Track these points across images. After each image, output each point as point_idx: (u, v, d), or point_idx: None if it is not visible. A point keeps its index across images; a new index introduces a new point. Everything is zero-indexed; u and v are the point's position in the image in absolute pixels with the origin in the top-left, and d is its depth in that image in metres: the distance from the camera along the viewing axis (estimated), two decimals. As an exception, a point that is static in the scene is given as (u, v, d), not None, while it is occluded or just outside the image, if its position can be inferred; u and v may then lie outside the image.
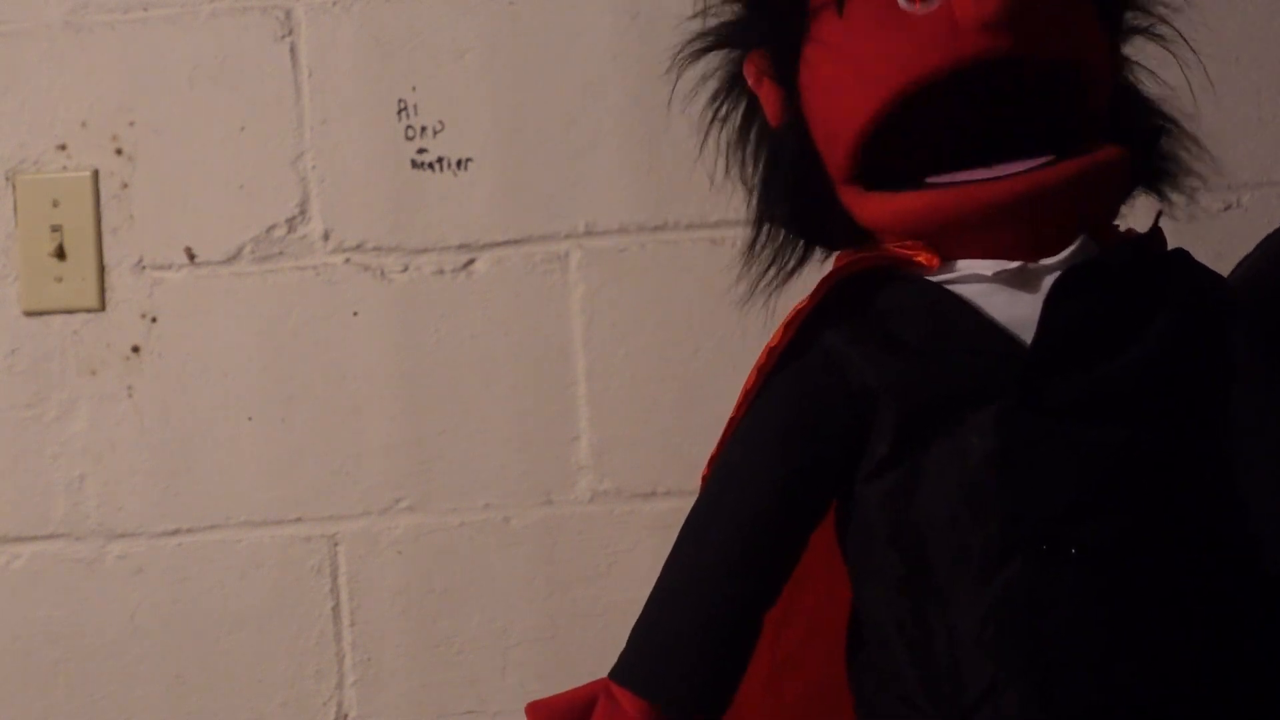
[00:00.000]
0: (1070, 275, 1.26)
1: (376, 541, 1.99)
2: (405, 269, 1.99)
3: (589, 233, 1.97)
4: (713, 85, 1.42)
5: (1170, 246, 1.37)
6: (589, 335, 1.97)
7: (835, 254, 1.38)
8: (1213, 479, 1.26)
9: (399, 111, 1.99)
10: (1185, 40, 1.41)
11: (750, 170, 1.39)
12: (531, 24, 1.98)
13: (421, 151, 1.99)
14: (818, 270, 1.40)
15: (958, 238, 1.28)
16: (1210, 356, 1.28)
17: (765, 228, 1.38)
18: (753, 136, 1.39)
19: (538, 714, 1.35)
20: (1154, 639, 1.22)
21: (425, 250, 1.99)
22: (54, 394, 2.01)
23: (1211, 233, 1.89)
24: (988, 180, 1.26)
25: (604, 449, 1.96)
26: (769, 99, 1.36)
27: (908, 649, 1.27)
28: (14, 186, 2.02)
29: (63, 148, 2.02)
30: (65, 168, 2.02)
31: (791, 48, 1.33)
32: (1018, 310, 1.27)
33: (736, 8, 1.39)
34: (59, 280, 2.01)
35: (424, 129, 1.99)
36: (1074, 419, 1.24)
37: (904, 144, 1.30)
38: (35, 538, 2.01)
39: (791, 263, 1.39)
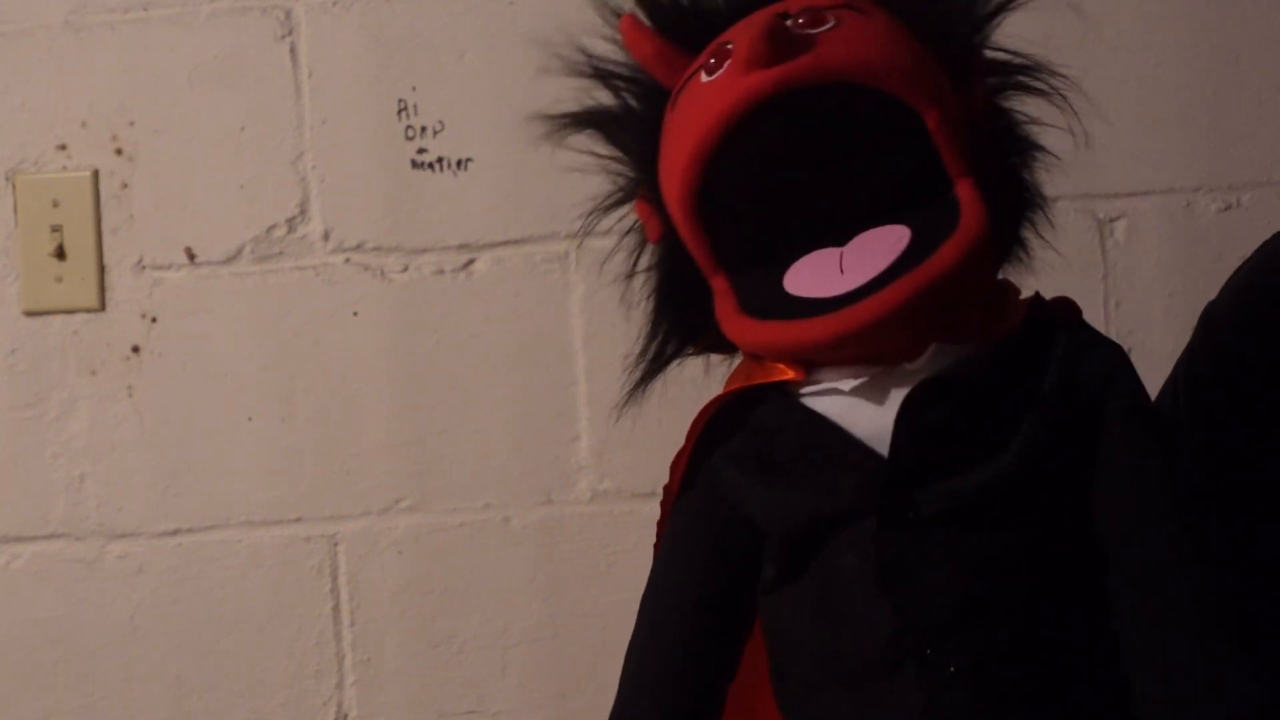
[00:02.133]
0: (917, 391, 1.26)
1: (376, 541, 1.99)
2: (405, 269, 1.99)
3: (589, 233, 1.97)
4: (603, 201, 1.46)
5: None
6: (589, 335, 1.97)
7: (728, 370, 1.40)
8: (1089, 576, 1.27)
9: (399, 111, 1.99)
10: (1065, 90, 1.36)
11: (644, 280, 1.43)
12: (531, 24, 1.98)
13: (421, 151, 1.99)
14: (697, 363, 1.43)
15: (817, 357, 1.29)
16: (1083, 446, 1.28)
17: (655, 335, 1.41)
18: (643, 250, 1.43)
19: None
20: None
21: (425, 250, 1.99)
22: (54, 394, 2.01)
23: (1211, 233, 1.89)
24: (834, 308, 1.24)
25: (604, 449, 1.96)
26: (645, 218, 1.40)
27: None
28: (14, 186, 2.02)
29: (63, 148, 2.02)
30: (65, 168, 2.02)
31: (654, 164, 1.37)
32: (880, 422, 1.27)
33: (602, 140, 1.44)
34: (59, 280, 2.01)
35: (424, 129, 1.99)
36: (941, 530, 1.24)
37: (750, 210, 1.31)
38: (35, 538, 2.01)
39: (670, 356, 1.42)
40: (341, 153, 2.00)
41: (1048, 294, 1.37)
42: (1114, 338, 1.91)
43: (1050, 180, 1.40)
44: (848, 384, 1.28)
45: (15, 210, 2.02)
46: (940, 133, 1.27)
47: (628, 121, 1.40)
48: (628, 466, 1.95)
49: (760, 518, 1.32)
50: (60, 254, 2.01)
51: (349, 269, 2.00)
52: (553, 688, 1.96)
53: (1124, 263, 1.93)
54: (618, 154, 1.42)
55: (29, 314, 2.02)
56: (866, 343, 1.25)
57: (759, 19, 1.29)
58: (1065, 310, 1.34)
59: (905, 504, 1.25)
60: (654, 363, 1.41)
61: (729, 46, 1.29)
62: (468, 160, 1.99)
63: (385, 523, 1.99)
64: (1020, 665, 1.24)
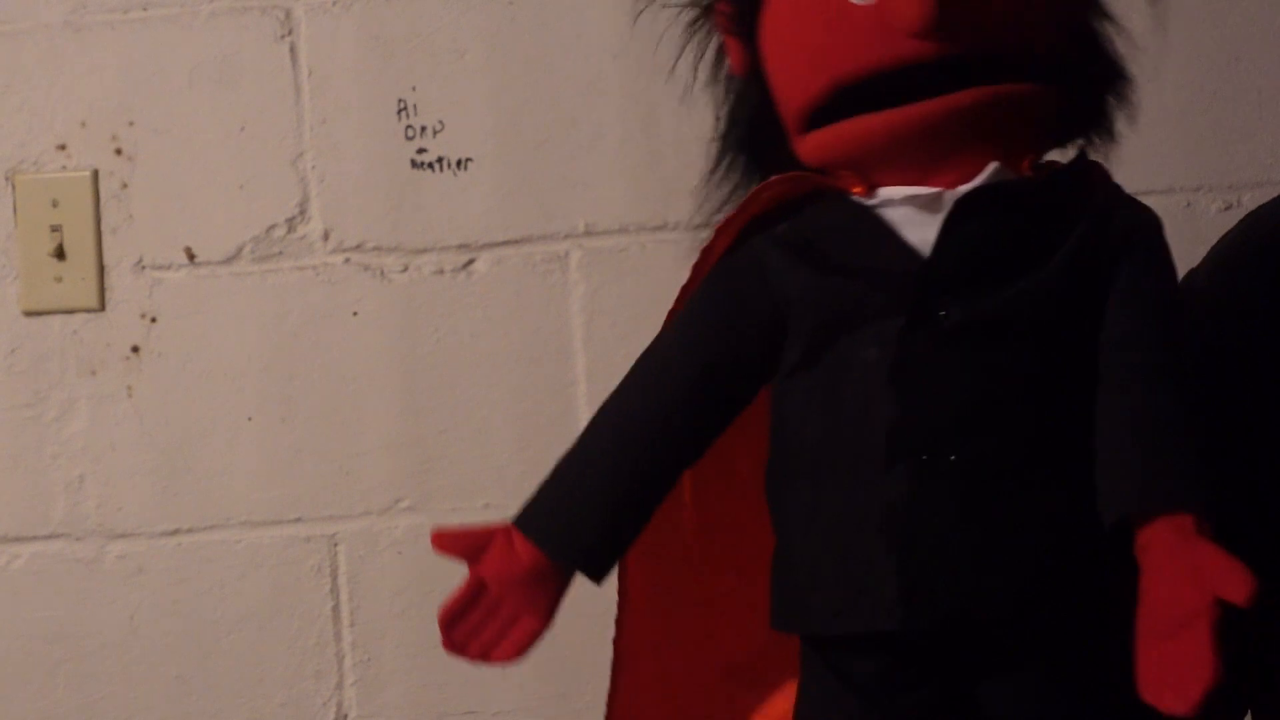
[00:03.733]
0: (970, 197, 1.30)
1: (376, 541, 1.99)
2: (405, 269, 1.99)
3: (589, 233, 1.97)
4: (689, 19, 1.47)
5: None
6: (589, 335, 1.97)
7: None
8: (1091, 407, 1.31)
9: (399, 111, 1.99)
10: None
11: (719, 105, 1.45)
12: (531, 24, 1.98)
13: (421, 151, 1.99)
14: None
15: (881, 166, 1.33)
16: (1103, 288, 1.32)
17: (727, 160, 1.45)
18: (722, 75, 1.45)
19: (441, 540, 1.42)
20: (1019, 548, 1.27)
21: (425, 250, 1.99)
22: (54, 394, 2.01)
23: (1212, 233, 1.88)
24: (905, 106, 1.30)
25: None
26: (732, 50, 1.42)
27: (802, 543, 1.33)
28: (14, 186, 2.02)
29: (62, 148, 2.02)
30: (65, 168, 2.02)
31: (751, 9, 1.39)
32: (928, 233, 1.31)
33: None
34: (59, 280, 2.01)
35: (424, 129, 1.99)
36: (962, 341, 1.29)
37: (844, 106, 1.34)
38: (35, 538, 2.01)
39: (744, 182, 1.45)
40: (341, 153, 2.00)
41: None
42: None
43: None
44: (903, 193, 1.32)
45: (15, 210, 2.02)
46: (1041, 46, 1.33)
47: None
48: (628, 466, 1.95)
49: (796, 298, 1.34)
50: (60, 254, 2.01)
51: (349, 269, 2.00)
52: (553, 688, 1.96)
53: (1124, 263, 1.93)
54: None
55: (29, 314, 2.02)
56: (929, 145, 1.30)
57: None
58: (1102, 171, 1.39)
59: (935, 305, 1.29)
60: (725, 174, 1.44)
61: None
62: (468, 160, 1.99)
63: (385, 523, 1.99)
64: (1011, 473, 1.27)
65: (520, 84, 1.98)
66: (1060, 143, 1.40)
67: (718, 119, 1.45)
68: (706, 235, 1.41)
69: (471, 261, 1.99)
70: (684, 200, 1.96)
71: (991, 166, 1.31)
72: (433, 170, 1.99)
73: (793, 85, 1.35)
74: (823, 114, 1.34)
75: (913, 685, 1.31)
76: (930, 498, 1.27)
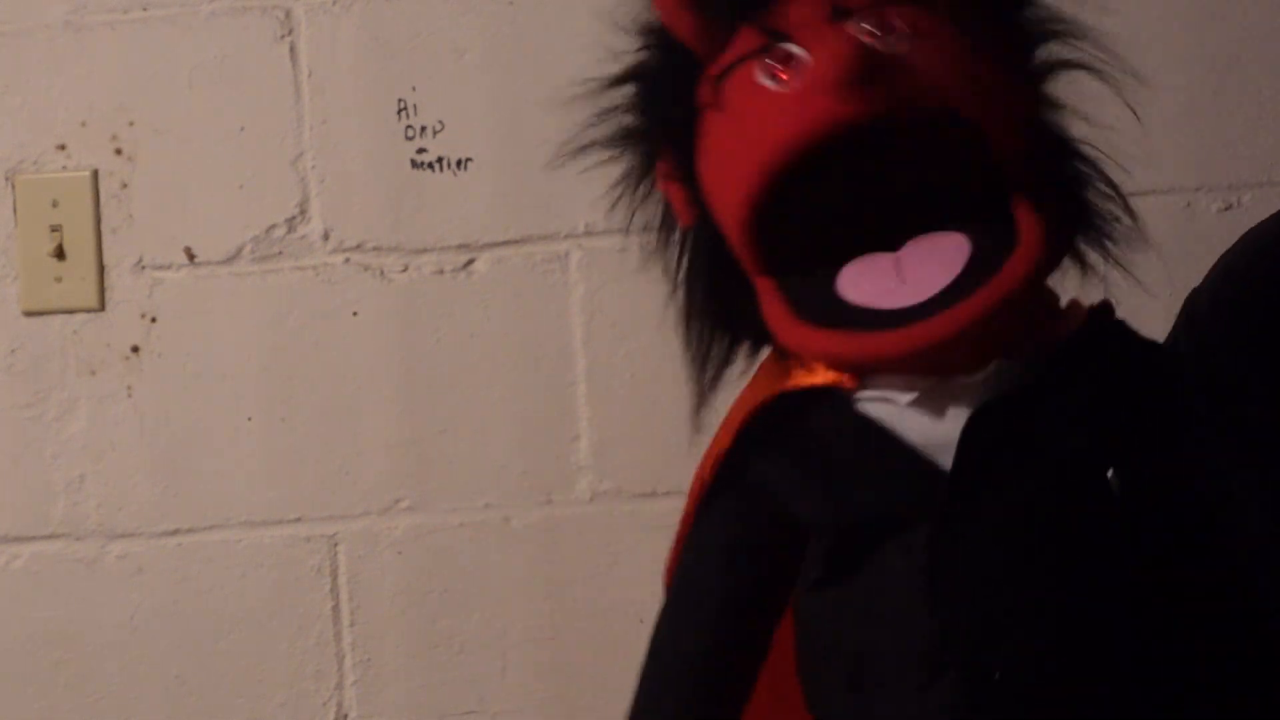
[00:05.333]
0: (983, 411, 1.25)
1: (376, 541, 1.99)
2: (405, 269, 1.99)
3: (589, 233, 1.97)
4: (625, 178, 1.40)
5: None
6: (589, 335, 1.97)
7: (763, 358, 1.38)
8: (1143, 593, 1.26)
9: (399, 111, 1.99)
10: (1111, 66, 1.35)
11: (672, 268, 1.39)
12: (531, 24, 1.98)
13: (421, 151, 1.99)
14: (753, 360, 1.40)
15: (879, 369, 1.28)
16: (1150, 448, 1.27)
17: (693, 325, 1.38)
18: (671, 233, 1.39)
19: None
20: None
21: (425, 250, 1.99)
22: (54, 394, 2.01)
23: (1212, 233, 1.89)
24: (902, 322, 1.24)
25: (604, 449, 1.96)
26: (675, 198, 1.36)
27: None
28: (14, 186, 2.02)
29: (62, 148, 2.02)
30: (65, 168, 2.02)
31: (688, 145, 1.33)
32: (935, 433, 1.27)
33: (630, 113, 1.38)
34: (59, 280, 2.01)
35: (424, 129, 1.99)
36: (998, 541, 1.24)
37: (807, 220, 1.29)
38: (35, 538, 2.01)
39: (723, 356, 1.38)
40: (341, 153, 2.00)
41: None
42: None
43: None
44: (904, 396, 1.27)
45: (15, 210, 2.02)
46: (1004, 149, 1.27)
47: (664, 91, 1.36)
48: (628, 466, 1.95)
49: (809, 517, 1.30)
50: (60, 254, 2.01)
51: (349, 269, 2.00)
52: (553, 688, 1.96)
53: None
54: (645, 125, 1.37)
55: (29, 314, 2.02)
56: (936, 358, 1.25)
57: (831, 32, 1.25)
58: (1105, 314, 1.33)
59: (965, 512, 1.24)
60: (704, 362, 1.38)
61: (793, 50, 1.26)
62: (468, 160, 1.99)
63: (385, 523, 1.99)
64: (1063, 680, 1.23)
65: (520, 84, 1.98)
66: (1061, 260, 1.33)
67: (676, 287, 1.38)
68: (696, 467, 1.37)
69: (471, 261, 1.99)
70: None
71: (992, 366, 1.26)
72: (433, 170, 1.99)
73: (730, 195, 1.29)
74: (766, 224, 1.27)
75: None
76: (977, 709, 1.23)
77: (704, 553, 1.36)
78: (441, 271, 1.99)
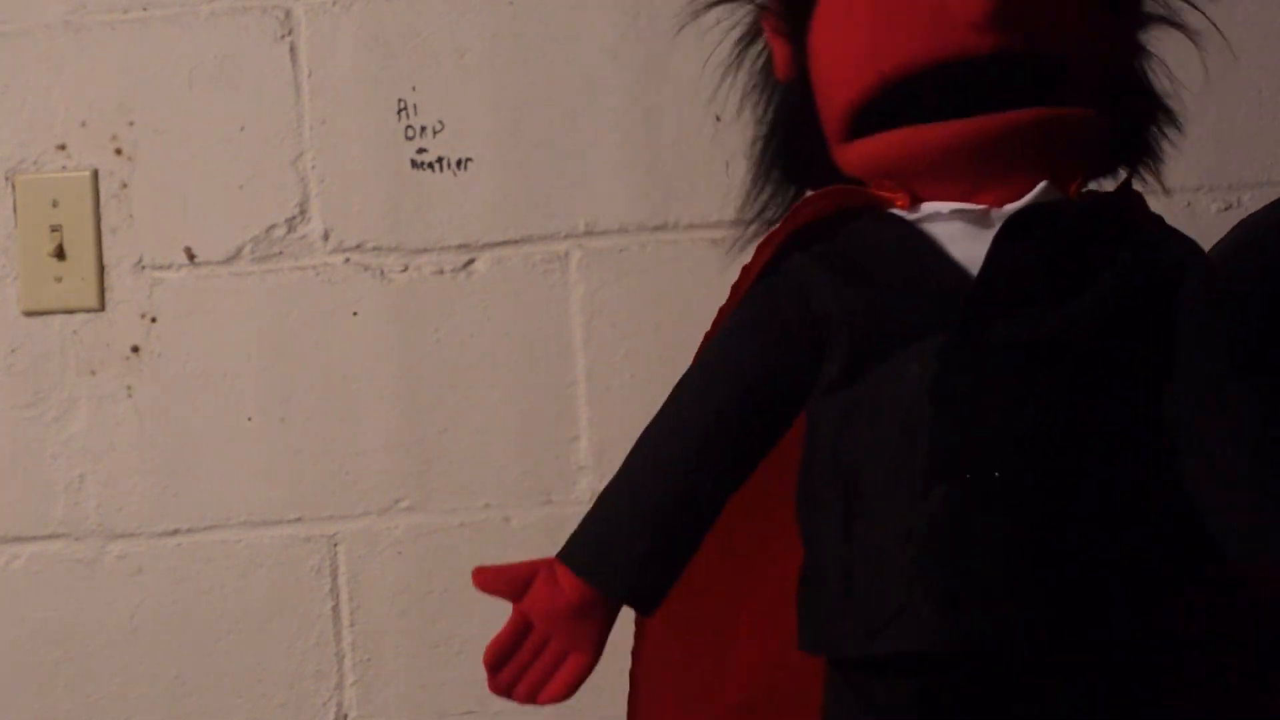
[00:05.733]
0: (1022, 215, 1.29)
1: (376, 541, 1.99)
2: (405, 269, 1.99)
3: (589, 233, 1.97)
4: (732, 30, 1.45)
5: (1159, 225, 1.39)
6: (589, 335, 1.97)
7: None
8: (1140, 433, 1.29)
9: (399, 111, 1.99)
10: (1202, 24, 1.43)
11: (759, 115, 1.43)
12: (531, 24, 1.98)
13: (421, 151, 1.99)
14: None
15: (927, 179, 1.32)
16: (1158, 316, 1.31)
17: (764, 172, 1.42)
18: (765, 84, 1.43)
19: (483, 578, 1.38)
20: (1062, 572, 1.25)
21: (425, 250, 1.99)
22: (54, 394, 2.01)
23: (1211, 233, 1.88)
24: (955, 120, 1.29)
25: (604, 449, 1.96)
26: (778, 52, 1.40)
27: (834, 565, 1.30)
28: (14, 186, 2.02)
29: (62, 148, 2.02)
30: (65, 168, 2.02)
31: (803, 7, 1.37)
32: (975, 250, 1.30)
33: None
34: (59, 280, 2.01)
35: (424, 129, 1.99)
36: (1010, 360, 1.27)
37: (893, 103, 1.33)
38: (35, 538, 2.01)
39: (782, 209, 1.43)
40: (341, 153, 2.00)
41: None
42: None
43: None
44: (948, 208, 1.31)
45: (15, 210, 2.02)
46: (1081, 78, 1.32)
47: None
48: (628, 466, 1.95)
49: (837, 314, 1.32)
50: (60, 254, 2.01)
51: (349, 269, 2.00)
52: (553, 688, 1.96)
53: (1124, 263, 1.93)
54: None
55: (29, 314, 2.02)
56: (978, 162, 1.29)
57: None
58: (1143, 201, 1.38)
59: (981, 323, 1.27)
60: (762, 207, 1.43)
61: None
62: (468, 160, 1.99)
63: (385, 523, 1.99)
64: (1057, 495, 1.25)
65: (520, 84, 1.98)
66: (1105, 172, 1.40)
67: (758, 126, 1.43)
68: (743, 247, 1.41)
69: (471, 261, 1.99)
70: (684, 200, 1.96)
71: (1041, 185, 1.30)
72: (433, 170, 1.99)
73: (840, 82, 1.33)
74: (866, 117, 1.32)
75: (944, 712, 1.29)
76: (973, 517, 1.25)
77: (732, 332, 1.38)
78: (441, 271, 1.99)
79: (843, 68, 1.33)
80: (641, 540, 1.35)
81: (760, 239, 1.40)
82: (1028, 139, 1.29)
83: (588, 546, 1.37)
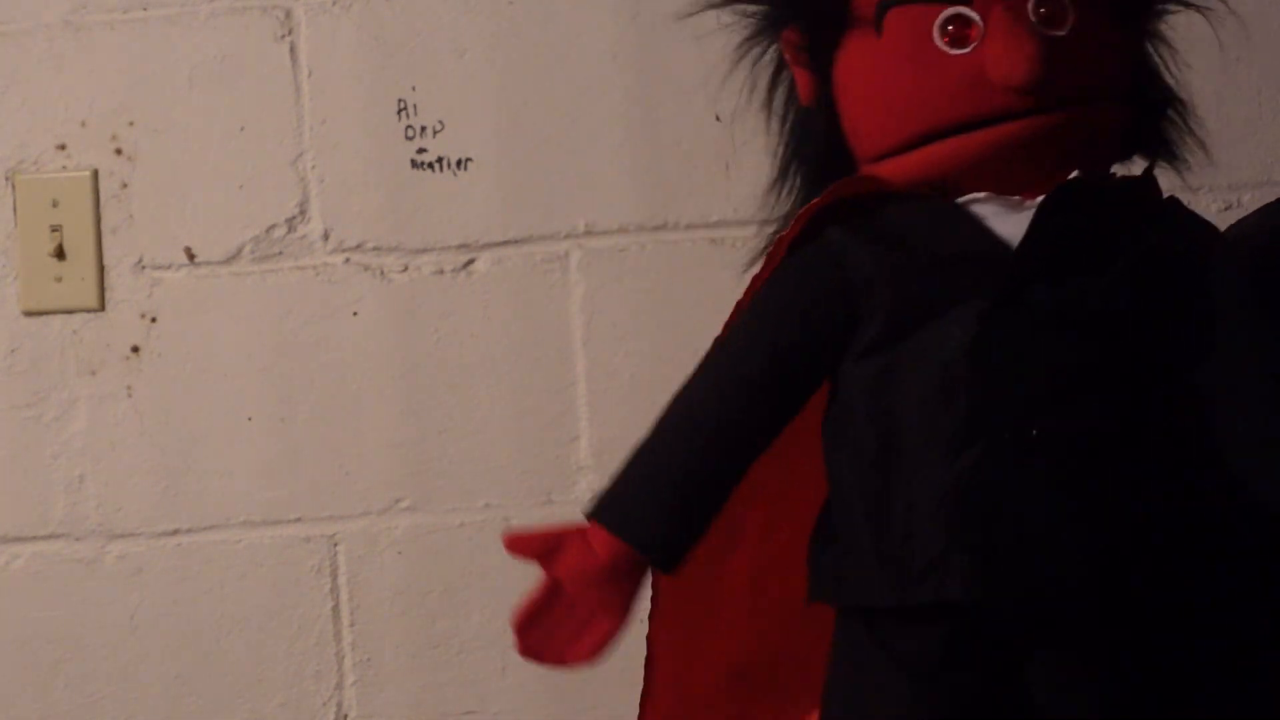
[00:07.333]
0: (1061, 190, 1.32)
1: (376, 541, 1.99)
2: (405, 269, 1.99)
3: (589, 233, 1.97)
4: (749, 47, 1.47)
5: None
6: (589, 335, 1.97)
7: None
8: (1174, 398, 1.32)
9: (399, 111, 1.99)
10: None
11: (778, 128, 1.46)
12: (531, 24, 1.98)
13: (421, 151, 1.99)
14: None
15: (964, 181, 1.35)
16: (1188, 293, 1.34)
17: (786, 183, 1.46)
18: (783, 99, 1.46)
19: (514, 542, 1.40)
20: (1100, 528, 1.28)
21: (425, 250, 1.99)
22: (54, 394, 2.01)
23: (1211, 233, 1.89)
24: (987, 128, 1.33)
25: (604, 449, 1.96)
26: (800, 81, 1.43)
27: (867, 519, 1.33)
28: (14, 186, 2.02)
29: (62, 148, 2.02)
30: (65, 168, 2.02)
31: (830, 38, 1.40)
32: (1012, 228, 1.33)
33: None
34: (58, 280, 2.01)
35: (424, 129, 1.99)
36: (1050, 324, 1.30)
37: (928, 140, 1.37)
38: (35, 538, 2.01)
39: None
40: (341, 153, 2.00)
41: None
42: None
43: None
44: (991, 202, 1.34)
45: (15, 210, 2.02)
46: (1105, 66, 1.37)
47: None
48: (628, 466, 1.95)
49: (876, 277, 1.34)
50: (60, 254, 2.01)
51: (349, 269, 2.00)
52: (553, 688, 1.96)
53: (1124, 263, 1.93)
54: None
55: (29, 314, 2.02)
56: (1015, 162, 1.32)
57: (1017, 27, 1.32)
58: (1159, 187, 1.42)
59: (1021, 290, 1.30)
60: (787, 208, 1.45)
61: (973, 20, 1.33)
62: (468, 160, 1.99)
63: (385, 523, 1.99)
64: (1093, 453, 1.28)
65: (520, 84, 1.98)
66: (1125, 159, 1.44)
67: (779, 143, 1.45)
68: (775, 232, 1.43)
69: (471, 261, 1.99)
70: (684, 200, 1.96)
71: (1074, 175, 1.34)
72: (433, 170, 1.99)
73: (876, 131, 1.37)
74: (900, 149, 1.36)
75: (967, 663, 1.31)
76: (1009, 470, 1.27)
77: (759, 313, 1.40)
78: (441, 271, 1.99)
79: (881, 118, 1.37)
80: (673, 498, 1.37)
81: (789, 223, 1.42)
82: (1059, 139, 1.33)
83: (620, 504, 1.39)
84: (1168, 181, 1.48)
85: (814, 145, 1.43)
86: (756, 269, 1.42)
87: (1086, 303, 1.30)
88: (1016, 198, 1.34)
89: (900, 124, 1.35)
